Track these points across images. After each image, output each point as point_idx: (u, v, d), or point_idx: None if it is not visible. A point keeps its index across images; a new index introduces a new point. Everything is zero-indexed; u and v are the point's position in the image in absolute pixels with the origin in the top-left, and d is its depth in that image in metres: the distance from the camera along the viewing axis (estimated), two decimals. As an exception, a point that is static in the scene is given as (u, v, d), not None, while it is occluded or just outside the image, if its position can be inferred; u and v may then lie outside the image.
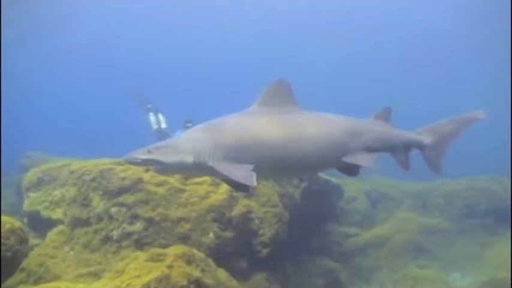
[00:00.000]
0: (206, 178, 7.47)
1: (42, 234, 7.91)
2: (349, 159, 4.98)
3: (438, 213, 12.47)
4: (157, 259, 5.39)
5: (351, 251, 10.78)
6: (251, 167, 4.34)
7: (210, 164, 4.39)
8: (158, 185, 7.35)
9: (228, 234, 7.32)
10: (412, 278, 9.59)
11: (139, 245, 6.91)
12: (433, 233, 11.31)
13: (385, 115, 5.62)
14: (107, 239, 7.17)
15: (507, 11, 23.68)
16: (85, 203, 7.58)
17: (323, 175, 10.52)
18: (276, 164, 4.68)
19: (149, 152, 4.45)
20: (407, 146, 5.56)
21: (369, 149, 5.16)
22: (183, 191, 7.34)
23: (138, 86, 15.56)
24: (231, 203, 7.49)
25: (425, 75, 42.11)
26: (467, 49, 37.73)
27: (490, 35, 32.09)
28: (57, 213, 7.84)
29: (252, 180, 4.20)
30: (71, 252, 7.23)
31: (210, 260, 5.93)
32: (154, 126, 13.75)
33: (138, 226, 7.00)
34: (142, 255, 5.78)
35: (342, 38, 42.13)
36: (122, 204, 7.19)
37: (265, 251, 7.71)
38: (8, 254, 5.71)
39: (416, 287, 9.28)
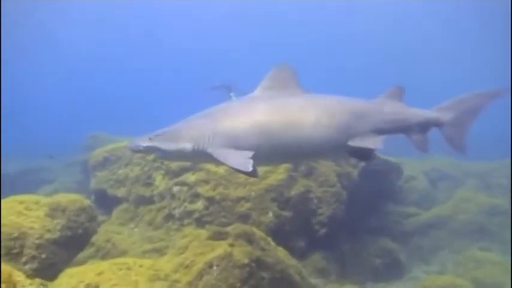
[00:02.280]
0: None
1: (108, 211, 8.24)
2: (354, 143, 4.68)
3: (501, 194, 12.09)
4: (219, 237, 5.53)
5: (410, 231, 10.64)
6: (250, 153, 4.23)
7: (209, 150, 4.33)
8: (218, 164, 7.49)
9: (287, 213, 7.40)
10: (474, 260, 9.38)
11: (201, 223, 7.11)
12: (495, 214, 10.96)
13: (396, 94, 5.20)
14: (169, 217, 7.42)
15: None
16: (148, 182, 7.85)
17: (381, 154, 10.41)
18: (277, 150, 4.51)
19: (150, 139, 4.48)
20: (423, 126, 5.11)
21: (379, 131, 4.82)
22: (242, 170, 7.44)
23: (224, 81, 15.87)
24: (290, 183, 7.55)
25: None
26: (466, 35, 36.78)
27: (490, 20, 31.06)
28: (122, 192, 8.14)
29: (247, 165, 4.08)
30: (136, 229, 7.53)
31: (269, 239, 5.99)
32: None
33: (199, 205, 7.19)
34: (204, 233, 5.94)
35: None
36: (183, 184, 7.39)
37: (323, 231, 7.77)
38: (79, 230, 5.99)
39: (478, 269, 9.07)
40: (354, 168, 9.16)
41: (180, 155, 4.51)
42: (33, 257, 5.53)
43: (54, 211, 5.92)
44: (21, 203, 5.91)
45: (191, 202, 7.24)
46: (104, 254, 6.97)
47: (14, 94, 47.23)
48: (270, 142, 4.41)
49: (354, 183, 9.00)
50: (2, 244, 5.40)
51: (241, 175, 7.40)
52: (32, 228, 5.63)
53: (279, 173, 7.40)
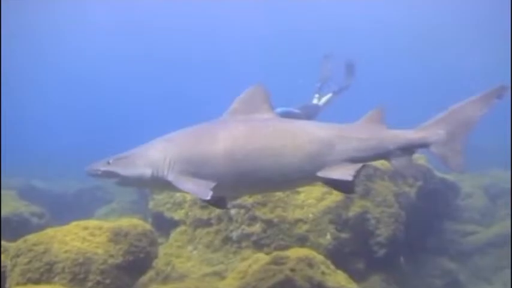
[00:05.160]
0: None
1: (165, 234, 8.37)
2: (323, 174, 4.24)
3: None
4: (279, 262, 5.54)
5: (470, 250, 10.37)
6: (212, 183, 4.02)
7: (169, 178, 4.13)
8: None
9: (345, 235, 7.35)
10: (538, 280, 9.05)
11: (259, 246, 7.12)
12: (559, 231, 10.55)
13: (376, 116, 4.58)
14: (227, 240, 7.48)
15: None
16: (205, 205, 7.91)
17: (438, 173, 10.24)
18: (239, 180, 4.21)
19: (108, 163, 4.25)
20: (405, 149, 4.49)
21: (351, 160, 4.32)
22: (299, 192, 7.45)
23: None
24: (347, 204, 7.50)
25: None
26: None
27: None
28: (180, 214, 8.25)
29: (206, 193, 3.90)
30: (194, 252, 7.61)
31: (329, 262, 5.96)
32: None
33: (257, 227, 7.21)
34: (264, 257, 5.97)
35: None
36: (240, 206, 7.42)
37: (382, 252, 7.67)
38: (141, 255, 6.10)
39: (545, 290, 8.75)
40: (410, 188, 9.03)
41: (139, 181, 4.31)
42: (98, 282, 5.68)
43: (117, 236, 6.05)
44: (85, 228, 6.08)
45: (249, 225, 7.27)
46: (164, 278, 7.07)
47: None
48: (234, 170, 4.15)
49: (411, 203, 8.86)
50: (68, 270, 5.57)
51: (300, 197, 7.42)
52: (96, 253, 5.78)
53: (336, 195, 7.34)
